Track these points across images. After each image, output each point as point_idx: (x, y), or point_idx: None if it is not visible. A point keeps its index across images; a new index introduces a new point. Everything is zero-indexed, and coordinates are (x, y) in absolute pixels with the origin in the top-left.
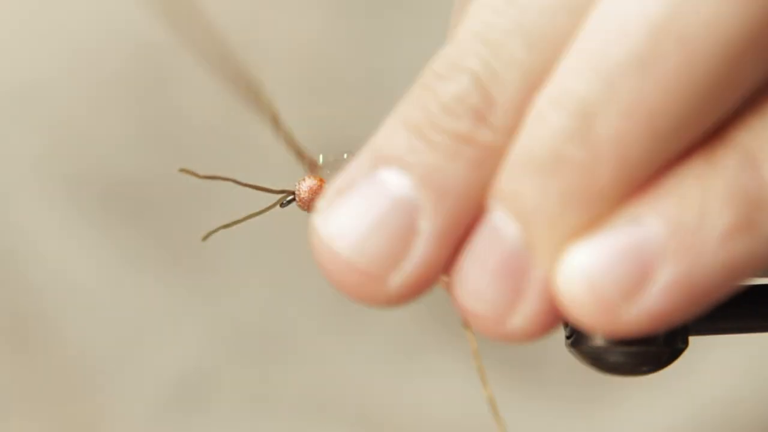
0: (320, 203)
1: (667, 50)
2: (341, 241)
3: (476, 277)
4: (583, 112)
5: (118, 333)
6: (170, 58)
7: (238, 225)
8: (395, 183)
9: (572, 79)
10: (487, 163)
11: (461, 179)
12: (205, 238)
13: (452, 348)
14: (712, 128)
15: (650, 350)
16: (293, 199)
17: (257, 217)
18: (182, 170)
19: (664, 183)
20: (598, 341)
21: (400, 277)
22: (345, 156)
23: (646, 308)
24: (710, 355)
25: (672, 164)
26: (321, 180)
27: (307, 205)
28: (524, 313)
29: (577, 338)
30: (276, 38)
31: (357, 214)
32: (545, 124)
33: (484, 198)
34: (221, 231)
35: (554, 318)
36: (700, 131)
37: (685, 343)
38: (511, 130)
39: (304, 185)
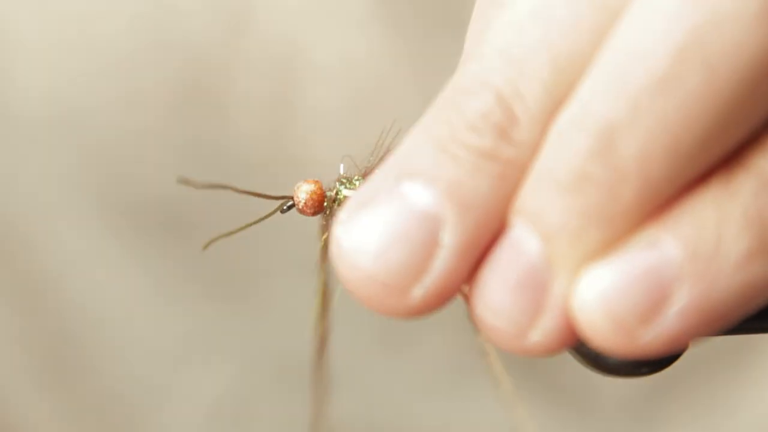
0: (342, 214)
1: (691, 72)
2: (363, 254)
3: (496, 291)
4: (606, 132)
5: (155, 359)
6: (210, 78)
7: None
8: (419, 196)
9: (596, 99)
10: (510, 178)
11: (484, 193)
12: (206, 247)
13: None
14: (730, 151)
15: None
16: (293, 205)
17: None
18: (180, 180)
19: (682, 206)
20: None
21: (422, 290)
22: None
23: (662, 332)
24: None
25: (691, 187)
26: (318, 183)
27: (306, 210)
28: (544, 328)
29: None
30: (327, 56)
31: (379, 226)
32: (569, 143)
33: (505, 212)
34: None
35: (574, 333)
36: (720, 152)
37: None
38: (534, 146)
39: (302, 190)
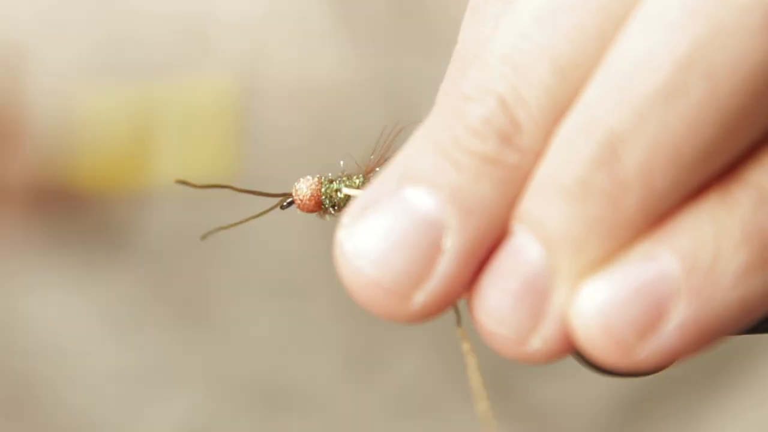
0: (345, 219)
1: (694, 84)
2: (366, 258)
3: (497, 298)
4: (611, 142)
5: (120, 386)
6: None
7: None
8: (421, 201)
9: (600, 109)
10: (513, 184)
11: (487, 199)
12: (204, 237)
13: (468, 404)
14: (728, 164)
15: None
16: (292, 201)
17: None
18: (178, 181)
19: (681, 218)
20: None
21: (423, 295)
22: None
23: (659, 347)
24: None
25: (689, 199)
26: (317, 180)
27: (306, 206)
28: (544, 336)
29: None
30: (289, 75)
31: (382, 231)
32: (573, 151)
33: (508, 218)
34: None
35: (573, 342)
36: (720, 164)
37: None
38: (537, 152)
39: (301, 186)
